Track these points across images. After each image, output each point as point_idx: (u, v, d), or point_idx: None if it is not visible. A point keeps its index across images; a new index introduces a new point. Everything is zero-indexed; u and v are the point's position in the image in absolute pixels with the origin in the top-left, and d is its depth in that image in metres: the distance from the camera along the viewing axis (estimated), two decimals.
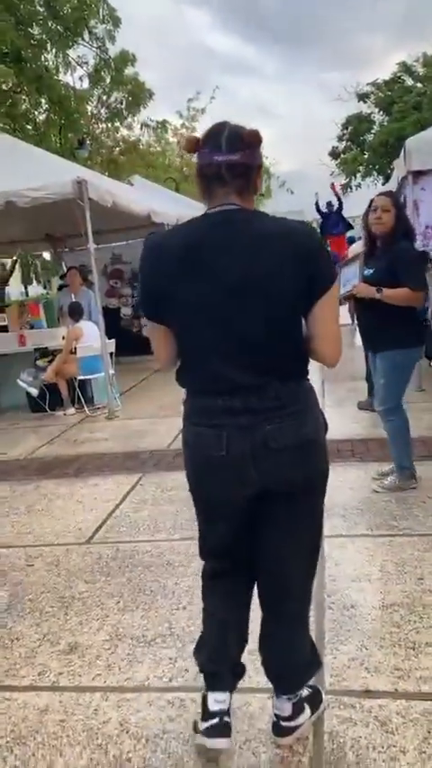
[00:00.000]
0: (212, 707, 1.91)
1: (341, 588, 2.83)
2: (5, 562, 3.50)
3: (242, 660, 2.05)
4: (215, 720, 1.89)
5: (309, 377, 1.83)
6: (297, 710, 1.98)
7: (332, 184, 13.09)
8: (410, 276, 3.58)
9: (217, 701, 1.92)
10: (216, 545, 1.95)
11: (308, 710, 2.01)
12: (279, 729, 1.98)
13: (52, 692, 2.35)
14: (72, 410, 7.28)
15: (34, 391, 7.35)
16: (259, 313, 1.67)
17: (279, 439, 1.71)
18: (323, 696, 2.12)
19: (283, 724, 1.97)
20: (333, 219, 12.36)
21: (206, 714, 1.92)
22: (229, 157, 1.66)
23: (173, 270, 1.69)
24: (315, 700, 2.07)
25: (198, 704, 2.02)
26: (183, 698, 2.23)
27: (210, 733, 1.89)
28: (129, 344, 8.59)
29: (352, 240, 11.02)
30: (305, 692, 2.05)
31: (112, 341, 7.36)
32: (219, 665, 1.99)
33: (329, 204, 12.48)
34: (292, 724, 1.97)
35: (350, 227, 12.30)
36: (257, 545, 1.90)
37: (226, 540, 1.91)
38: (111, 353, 7.21)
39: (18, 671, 2.50)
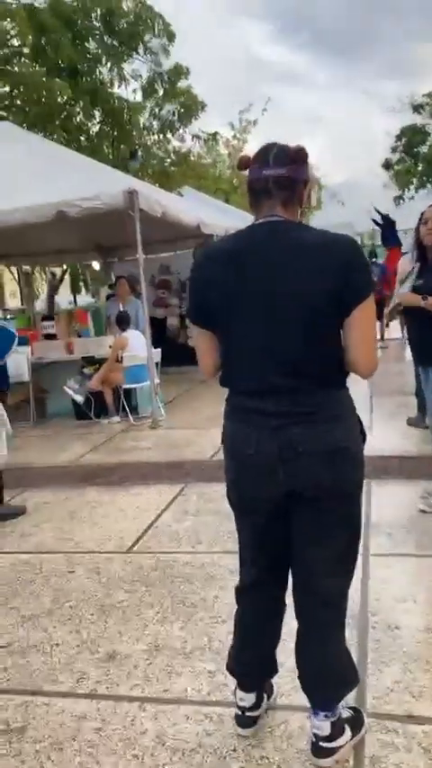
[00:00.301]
0: (238, 702, 2.10)
1: (385, 608, 2.76)
2: (47, 568, 3.53)
3: (275, 659, 2.13)
4: (239, 713, 2.10)
5: (347, 386, 1.86)
6: (337, 731, 1.93)
7: (374, 208, 13.30)
8: None
9: (242, 698, 2.09)
10: (246, 545, 2.01)
11: (348, 732, 1.97)
12: (318, 750, 1.94)
13: (90, 699, 2.36)
14: (116, 418, 7.34)
15: (80, 398, 7.44)
16: (296, 320, 1.74)
17: (307, 443, 1.76)
18: (365, 719, 2.06)
19: (323, 744, 1.93)
20: (391, 232, 12.54)
21: (236, 704, 2.11)
22: (276, 171, 1.78)
23: (218, 277, 1.81)
24: (356, 722, 2.03)
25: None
26: (220, 713, 2.20)
27: (236, 720, 2.11)
28: (175, 355, 8.63)
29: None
30: (346, 713, 2.02)
31: (158, 350, 7.41)
32: (244, 672, 2.10)
33: (386, 218, 12.69)
34: (332, 745, 1.93)
35: (399, 243, 12.42)
36: (290, 550, 1.95)
37: (255, 540, 1.97)
38: (156, 363, 7.26)
39: (57, 676, 2.51)
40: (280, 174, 1.78)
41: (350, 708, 2.08)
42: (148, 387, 7.11)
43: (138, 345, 7.21)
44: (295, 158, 1.80)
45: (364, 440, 1.89)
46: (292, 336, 1.75)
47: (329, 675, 1.94)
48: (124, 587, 3.20)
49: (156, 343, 7.30)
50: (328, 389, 1.80)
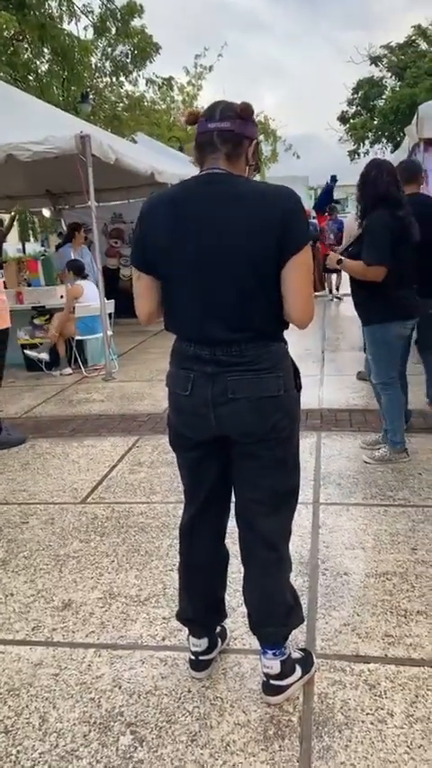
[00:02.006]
0: (191, 647, 2.17)
1: (335, 555, 2.86)
2: (0, 519, 3.51)
3: (221, 605, 2.22)
4: (193, 657, 2.17)
5: (284, 339, 1.91)
6: (287, 670, 2.02)
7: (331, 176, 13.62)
8: (367, 249, 3.51)
9: (194, 644, 2.16)
10: (185, 482, 2.09)
11: (299, 671, 2.06)
12: (269, 688, 2.03)
13: (46, 646, 2.38)
14: (69, 370, 7.25)
15: (45, 356, 7.26)
16: (230, 268, 1.76)
17: (238, 390, 1.82)
18: (314, 659, 2.16)
19: (273, 682, 2.01)
20: (326, 197, 12.92)
21: (189, 649, 2.19)
22: (221, 125, 1.80)
23: (159, 226, 1.83)
24: (306, 662, 2.12)
25: None
26: (175, 657, 2.26)
27: (190, 664, 2.19)
28: (127, 306, 8.49)
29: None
30: (296, 654, 2.10)
31: (111, 301, 7.29)
32: (191, 619, 2.17)
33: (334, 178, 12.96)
34: (282, 683, 2.01)
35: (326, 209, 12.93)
36: (227, 490, 2.06)
37: (191, 475, 2.05)
38: (109, 314, 7.15)
39: (12, 625, 2.52)
40: (224, 128, 1.79)
41: (300, 649, 2.17)
42: (101, 338, 7.02)
43: (91, 295, 7.08)
44: (241, 114, 1.81)
45: (299, 390, 1.96)
46: (229, 289, 1.77)
47: (272, 612, 2.01)
48: (79, 537, 3.22)
49: (108, 294, 7.17)
50: (264, 341, 1.84)
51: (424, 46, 22.53)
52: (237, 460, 1.96)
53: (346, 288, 11.81)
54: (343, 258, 3.65)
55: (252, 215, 1.73)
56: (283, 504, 2.00)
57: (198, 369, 1.85)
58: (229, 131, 1.80)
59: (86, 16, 13.87)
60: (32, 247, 25.29)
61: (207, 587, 2.15)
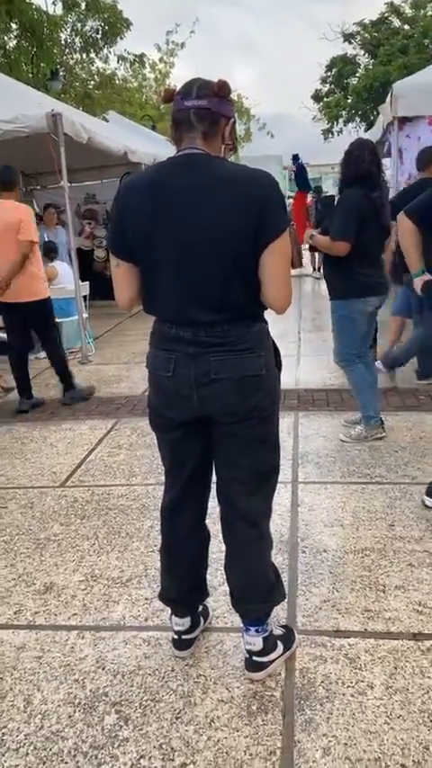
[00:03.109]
0: (174, 626, 2.19)
1: (314, 533, 2.89)
2: None
3: (203, 584, 2.24)
4: (176, 636, 2.19)
5: (264, 319, 1.92)
6: (270, 647, 2.05)
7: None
8: (333, 224, 3.61)
9: (177, 623, 2.18)
10: (166, 462, 2.09)
11: (281, 648, 2.09)
12: (251, 664, 2.05)
13: (28, 630, 2.38)
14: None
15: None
16: (210, 253, 1.75)
17: (221, 370, 1.83)
18: (296, 635, 2.19)
19: (255, 659, 2.04)
20: (301, 176, 13.00)
21: (172, 629, 2.20)
22: (197, 103, 1.78)
23: (137, 209, 1.80)
24: (288, 639, 2.15)
25: None
26: (158, 637, 2.28)
27: (173, 643, 2.21)
28: (102, 288, 8.41)
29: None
30: (278, 631, 2.13)
31: (86, 284, 7.20)
32: (173, 599, 2.18)
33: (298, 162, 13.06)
34: (265, 659, 2.04)
35: (309, 187, 13.01)
36: (209, 471, 2.07)
37: (174, 455, 2.05)
38: (84, 296, 7.07)
39: None
40: (201, 106, 1.77)
41: (282, 626, 2.21)
42: (76, 321, 6.95)
43: (65, 277, 6.99)
44: (218, 92, 1.80)
45: (279, 369, 1.97)
46: (209, 273, 1.77)
47: (254, 589, 2.04)
48: (59, 520, 3.21)
49: (82, 276, 7.08)
50: (246, 322, 1.85)
51: (397, 23, 22.42)
52: (218, 440, 1.96)
53: None
54: (314, 233, 3.73)
55: (229, 201, 1.72)
56: (264, 482, 2.02)
57: (180, 350, 1.84)
58: (206, 109, 1.78)
59: None
60: None
61: (189, 567, 2.17)
